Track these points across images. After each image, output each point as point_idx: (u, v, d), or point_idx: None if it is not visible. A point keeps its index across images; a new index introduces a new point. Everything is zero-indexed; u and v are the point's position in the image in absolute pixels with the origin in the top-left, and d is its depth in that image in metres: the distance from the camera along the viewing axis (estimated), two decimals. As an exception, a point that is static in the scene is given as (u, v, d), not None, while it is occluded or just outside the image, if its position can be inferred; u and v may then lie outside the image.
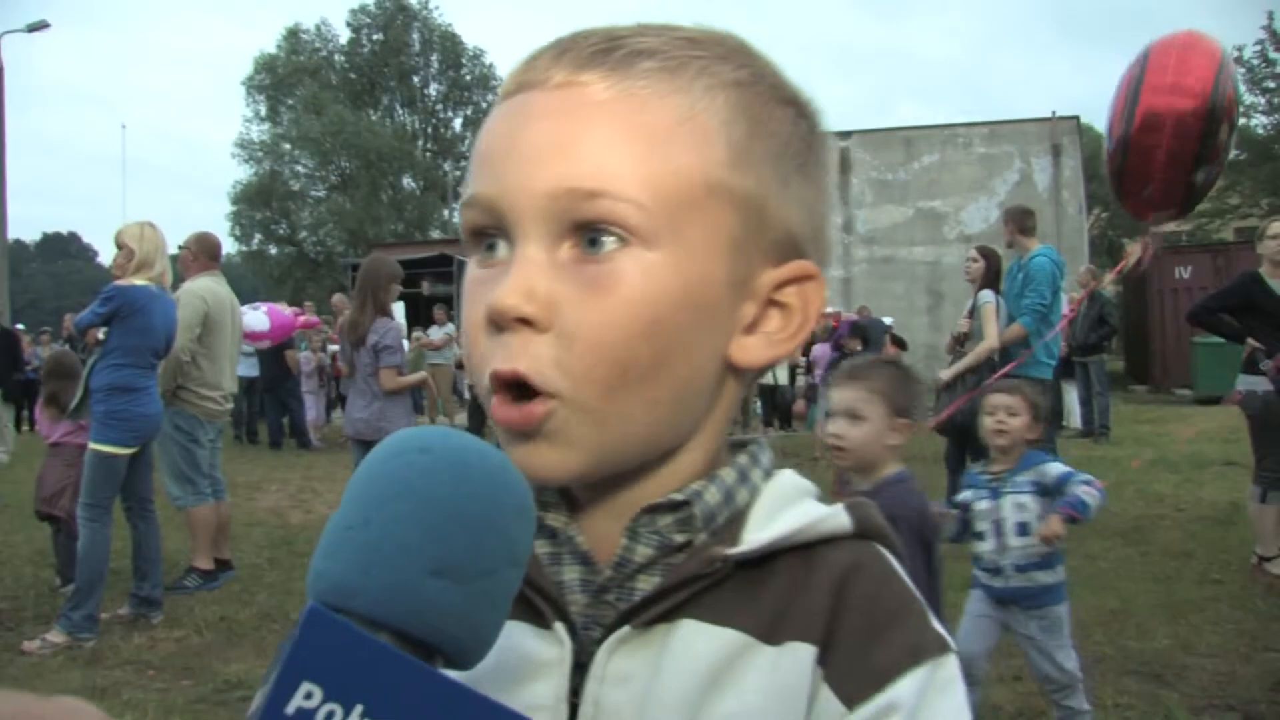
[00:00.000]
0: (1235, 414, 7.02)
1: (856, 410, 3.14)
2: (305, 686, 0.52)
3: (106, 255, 6.62)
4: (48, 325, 26.07)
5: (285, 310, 14.65)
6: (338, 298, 17.46)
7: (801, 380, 15.36)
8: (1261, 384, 6.44)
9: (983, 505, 4.13)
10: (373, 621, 0.55)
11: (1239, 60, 28.54)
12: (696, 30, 0.80)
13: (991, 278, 8.18)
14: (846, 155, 24.70)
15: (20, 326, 24.71)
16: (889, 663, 0.72)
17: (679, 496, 0.78)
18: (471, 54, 47.30)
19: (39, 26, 28.73)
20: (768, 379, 14.12)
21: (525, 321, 0.71)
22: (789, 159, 0.80)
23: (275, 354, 15.57)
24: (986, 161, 24.04)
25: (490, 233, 0.76)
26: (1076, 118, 24.83)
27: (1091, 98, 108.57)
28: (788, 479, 0.84)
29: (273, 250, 42.67)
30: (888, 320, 17.94)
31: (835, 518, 0.78)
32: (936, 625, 0.76)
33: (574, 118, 0.73)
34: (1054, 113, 24.19)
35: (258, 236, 42.88)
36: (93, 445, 5.95)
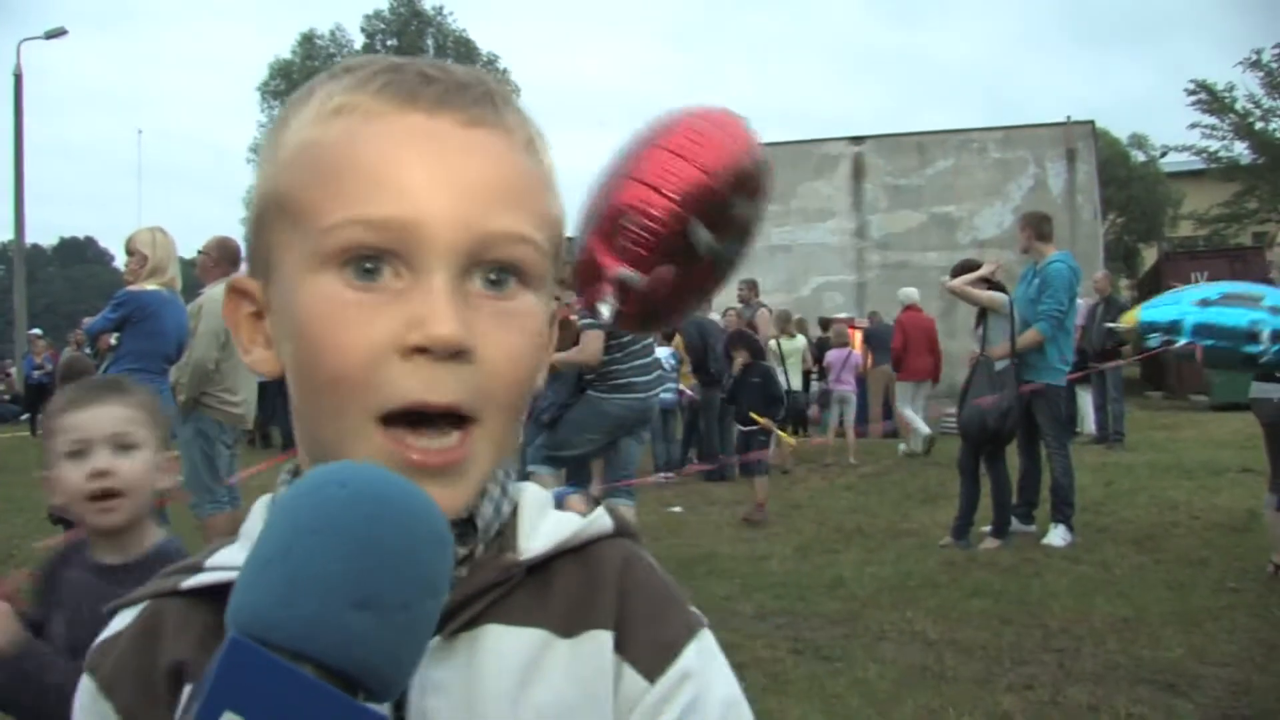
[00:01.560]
0: (1252, 421, 6.98)
1: (127, 436, 2.18)
2: (228, 716, 0.53)
3: (122, 259, 6.63)
4: (64, 329, 26.13)
5: None
6: None
7: (815, 386, 15.31)
8: (1277, 391, 6.39)
9: None
10: (295, 653, 0.55)
11: (1257, 64, 28.35)
12: (499, 83, 0.87)
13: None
14: (860, 160, 24.66)
15: (36, 331, 24.79)
16: (674, 638, 0.81)
17: (463, 514, 0.81)
18: (485, 59, 47.37)
19: (57, 33, 28.90)
20: (781, 384, 14.06)
21: (459, 353, 0.74)
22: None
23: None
24: (1001, 166, 23.94)
25: (374, 254, 0.75)
26: (1091, 122, 24.70)
27: (1106, 102, 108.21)
28: (534, 489, 0.89)
29: (287, 255, 42.74)
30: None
31: (601, 520, 0.85)
32: (691, 606, 0.85)
33: (498, 163, 0.78)
34: (1069, 117, 24.10)
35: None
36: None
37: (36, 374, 20.92)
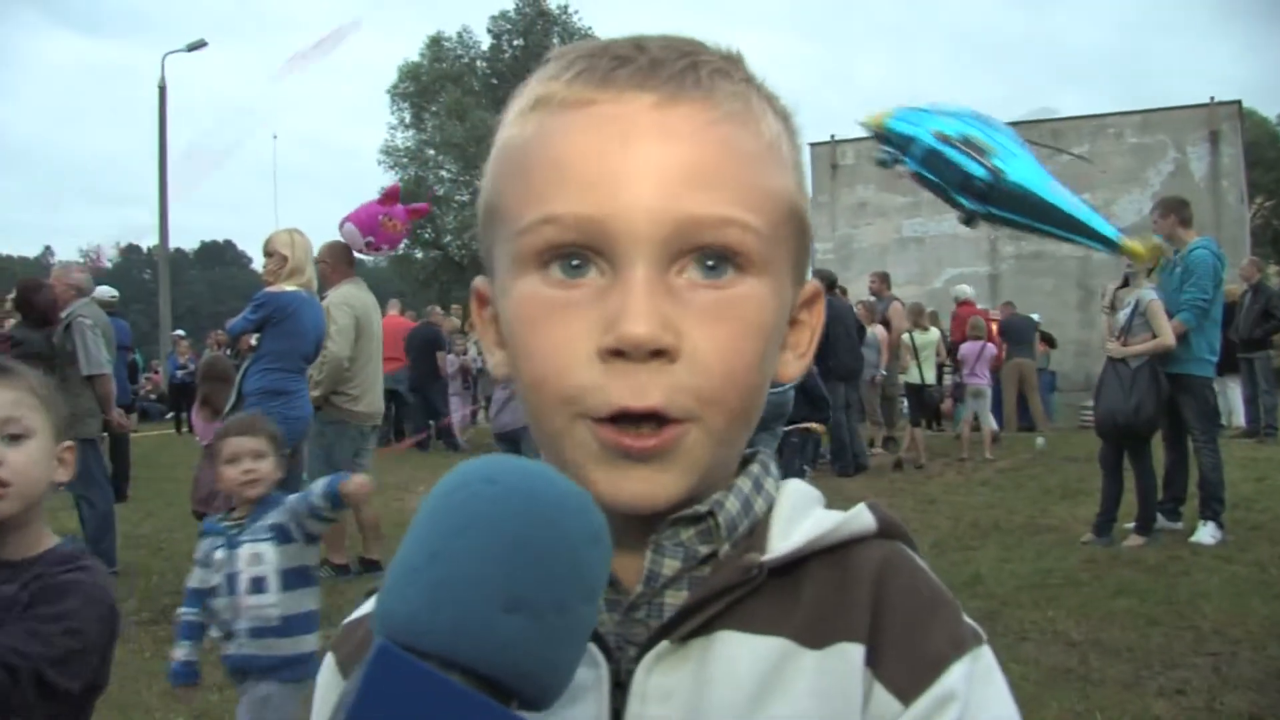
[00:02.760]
0: None
1: (13, 423, 1.95)
2: None
3: (260, 261, 6.82)
4: (205, 330, 27.10)
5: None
6: (438, 310, 17.76)
7: (949, 379, 15.03)
8: None
9: (219, 556, 3.55)
10: (444, 660, 0.53)
11: None
12: (725, 48, 0.81)
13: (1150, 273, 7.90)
14: (992, 148, 24.11)
15: (179, 332, 25.76)
16: (937, 654, 0.73)
17: (702, 508, 0.77)
18: (610, 56, 47.43)
19: (198, 46, 29.91)
20: (914, 378, 13.82)
21: (658, 351, 0.70)
22: (803, 170, 0.83)
23: (424, 356, 15.96)
24: (1139, 152, 23.23)
25: (576, 252, 0.73)
26: (1238, 102, 23.77)
27: (1256, 79, 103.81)
28: (799, 486, 0.84)
29: (418, 254, 43.55)
30: (1035, 316, 17.45)
31: (860, 518, 0.78)
32: (966, 618, 0.77)
33: (692, 141, 0.72)
34: (1212, 98, 23.21)
35: (404, 241, 43.97)
36: (246, 447, 6.11)
37: (180, 374, 21.70)
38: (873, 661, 0.72)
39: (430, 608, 0.54)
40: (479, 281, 0.84)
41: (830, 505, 0.83)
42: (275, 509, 3.58)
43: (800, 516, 0.79)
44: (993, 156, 5.94)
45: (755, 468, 0.82)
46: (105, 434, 8.76)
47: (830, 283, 13.17)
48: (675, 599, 0.76)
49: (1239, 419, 14.54)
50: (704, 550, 0.77)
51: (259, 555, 3.50)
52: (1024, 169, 5.98)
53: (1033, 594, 6.39)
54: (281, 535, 3.53)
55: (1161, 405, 7.64)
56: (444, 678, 0.52)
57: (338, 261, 7.59)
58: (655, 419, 0.71)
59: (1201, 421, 7.83)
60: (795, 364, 0.83)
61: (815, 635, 0.73)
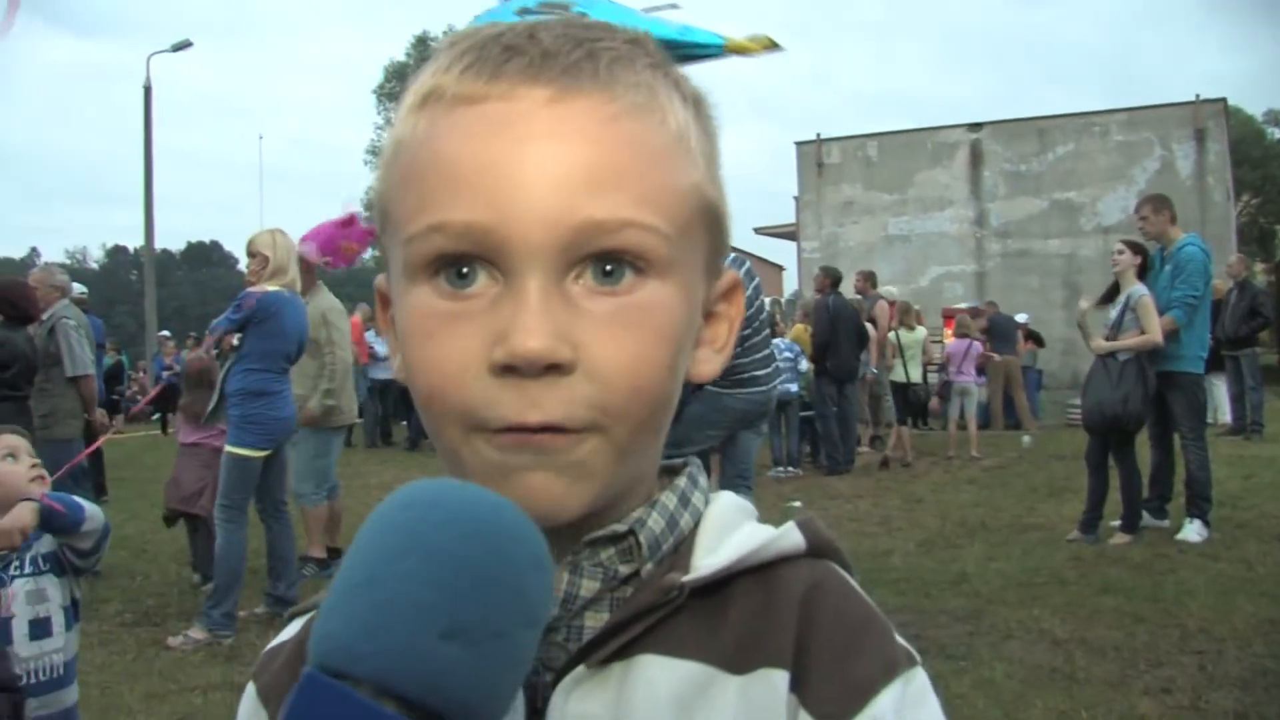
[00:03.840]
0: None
1: None
2: None
3: (245, 262, 6.81)
4: (193, 331, 27.01)
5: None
6: None
7: (935, 377, 15.05)
8: None
9: None
10: (378, 687, 0.51)
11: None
12: (630, 30, 0.75)
13: (1140, 273, 7.89)
14: (978, 147, 24.18)
15: (165, 333, 25.69)
16: (865, 679, 0.69)
17: (621, 527, 0.73)
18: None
19: (183, 46, 29.78)
20: (899, 376, 13.83)
21: (553, 365, 0.66)
22: (716, 158, 0.77)
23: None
24: (1125, 149, 23.25)
25: (466, 261, 0.68)
26: (1223, 100, 23.82)
27: (1243, 75, 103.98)
28: (728, 500, 0.80)
29: (405, 254, 43.62)
30: (1021, 317, 17.48)
31: (788, 536, 0.74)
32: (900, 639, 0.73)
33: (589, 140, 0.67)
34: (1197, 96, 23.27)
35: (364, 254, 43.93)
36: (228, 448, 6.11)
37: (165, 374, 21.62)
38: (797, 687, 0.69)
39: (366, 632, 0.52)
40: (380, 281, 0.80)
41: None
42: (40, 536, 3.09)
43: (727, 532, 0.75)
44: (574, 8, 5.91)
45: (682, 480, 0.79)
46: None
47: (836, 280, 13.18)
48: (595, 621, 0.73)
49: (1224, 416, 14.57)
50: (625, 570, 0.74)
51: (40, 592, 3.03)
52: (606, 10, 5.91)
53: (1018, 592, 6.39)
54: (57, 566, 3.10)
55: (1149, 398, 7.63)
56: (375, 706, 0.51)
57: (304, 272, 7.56)
58: (553, 430, 0.67)
59: (1190, 419, 7.83)
60: (713, 359, 0.79)
61: (738, 660, 0.70)
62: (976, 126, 24.56)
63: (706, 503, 0.79)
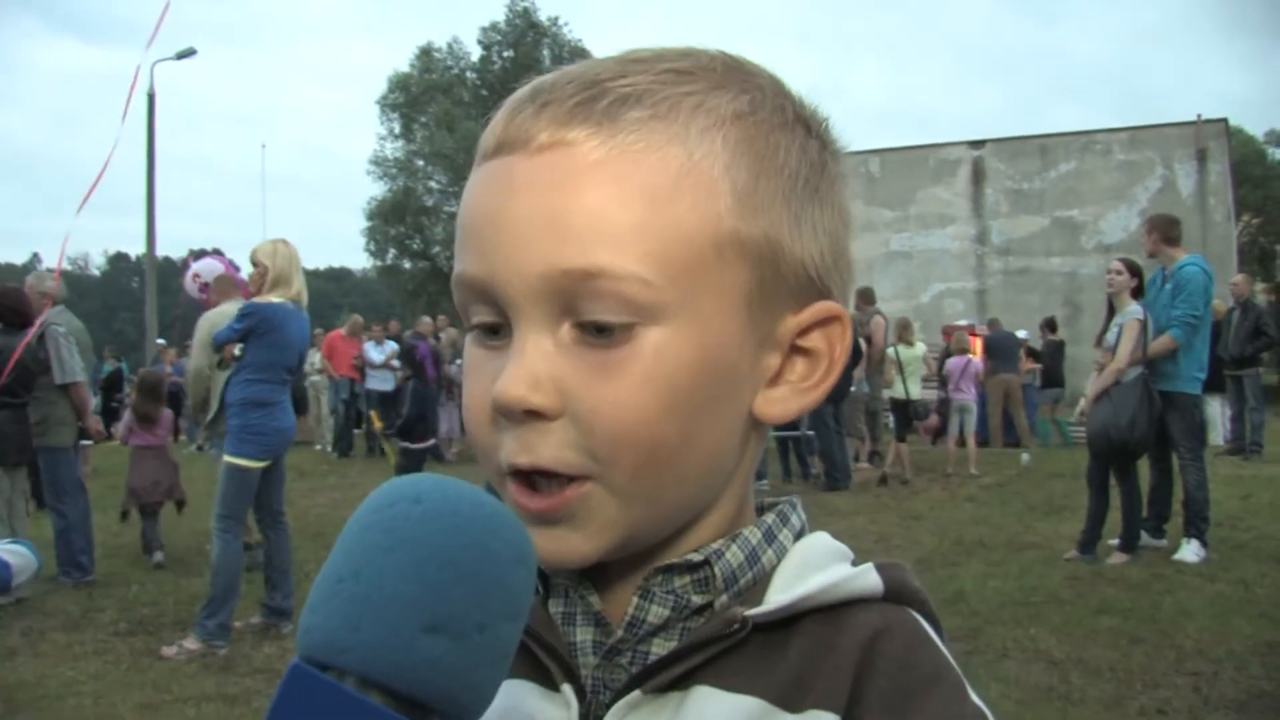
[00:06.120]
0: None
1: None
2: None
3: (248, 270, 6.90)
4: (188, 340, 27.04)
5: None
6: (425, 321, 17.89)
7: (934, 394, 15.04)
8: None
9: None
10: (363, 679, 0.53)
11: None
12: (685, 56, 0.73)
13: (1136, 292, 7.89)
14: (980, 165, 24.24)
15: (161, 341, 25.70)
16: None
17: (696, 557, 0.73)
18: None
19: (187, 54, 29.82)
20: (899, 393, 13.82)
21: (534, 413, 0.67)
22: (801, 189, 0.73)
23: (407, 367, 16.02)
24: (1127, 168, 23.32)
25: (485, 311, 0.72)
26: (1224, 120, 23.88)
27: (1248, 95, 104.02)
28: (820, 540, 0.78)
29: (406, 265, 43.42)
30: (1022, 334, 17.47)
31: (863, 577, 0.72)
32: (975, 698, 0.69)
33: (563, 188, 0.67)
34: (1199, 116, 23.32)
35: (392, 251, 43.75)
36: (227, 458, 6.09)
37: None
38: None
39: (350, 626, 0.53)
40: None
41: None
42: None
43: (809, 572, 0.73)
44: None
45: (770, 517, 0.77)
46: (90, 441, 8.80)
47: (868, 299, 13.35)
48: (662, 649, 0.72)
49: (1218, 437, 14.55)
50: (698, 600, 0.73)
51: None
52: None
53: (1015, 611, 6.37)
54: None
55: (1154, 421, 7.61)
56: (360, 697, 0.52)
57: (225, 287, 8.35)
58: (556, 477, 0.68)
59: (1188, 439, 7.82)
60: (791, 399, 0.74)
61: (793, 698, 0.68)
62: (979, 144, 24.63)
63: (796, 540, 0.77)
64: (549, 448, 0.67)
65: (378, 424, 16.08)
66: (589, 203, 0.66)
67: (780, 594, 0.71)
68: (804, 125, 0.75)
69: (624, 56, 0.73)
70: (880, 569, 0.73)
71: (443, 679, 0.54)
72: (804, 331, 0.74)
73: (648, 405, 0.67)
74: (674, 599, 0.73)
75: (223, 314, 8.08)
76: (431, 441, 12.61)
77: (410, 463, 11.84)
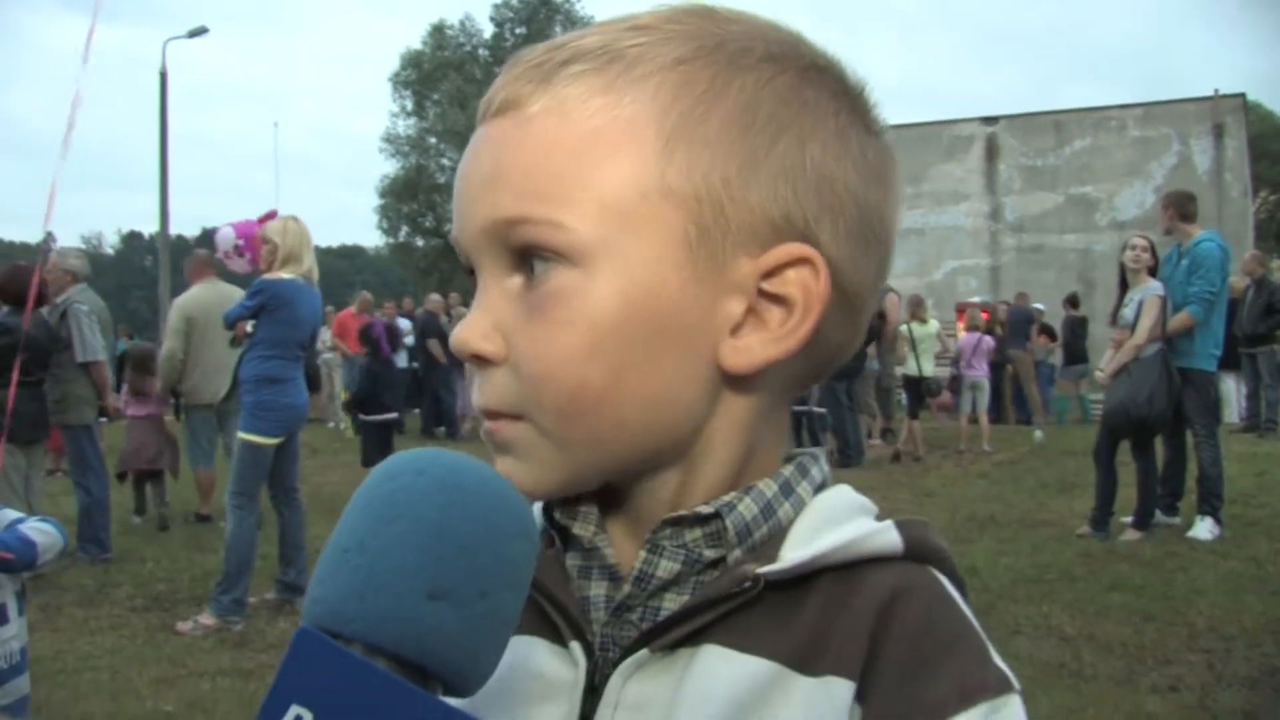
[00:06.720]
0: None
1: None
2: (294, 710, 0.52)
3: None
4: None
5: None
6: (436, 298, 18.04)
7: (946, 370, 15.02)
8: None
9: None
10: (369, 646, 0.54)
11: None
12: (659, 13, 0.73)
13: (1151, 271, 7.84)
14: (994, 141, 24.12)
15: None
16: (935, 703, 0.64)
17: (706, 509, 0.71)
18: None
19: (199, 32, 29.81)
20: (911, 370, 13.80)
21: (480, 358, 0.71)
22: (761, 127, 0.70)
23: (421, 344, 16.19)
24: (1141, 145, 23.17)
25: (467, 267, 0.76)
26: (1242, 95, 23.69)
27: (1266, 71, 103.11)
28: (841, 494, 0.76)
29: (419, 242, 43.51)
30: (1040, 306, 17.42)
31: (883, 534, 0.70)
32: (998, 661, 0.68)
33: (503, 144, 0.71)
34: (1216, 90, 23.15)
35: (404, 229, 43.84)
36: (241, 435, 6.12)
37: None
38: (862, 700, 0.65)
39: (356, 595, 0.55)
40: None
41: None
42: None
43: (829, 527, 0.71)
44: None
45: (788, 469, 0.75)
46: (105, 419, 8.83)
47: None
48: (675, 604, 0.71)
49: (1234, 414, 14.50)
50: (711, 555, 0.71)
51: None
52: None
53: (1028, 588, 6.37)
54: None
55: (1174, 397, 7.57)
56: (367, 662, 0.53)
57: (199, 268, 8.99)
58: (493, 415, 0.73)
59: (1203, 416, 7.80)
60: (764, 348, 0.69)
61: (808, 660, 0.67)
62: (992, 120, 24.50)
63: (815, 494, 0.75)
64: (493, 389, 0.71)
65: (344, 396, 16.75)
66: (518, 156, 0.69)
67: (795, 550, 0.69)
68: (775, 62, 0.72)
69: (611, 18, 0.75)
70: (900, 526, 0.71)
71: (446, 646, 0.55)
72: (769, 275, 0.70)
73: (568, 347, 0.68)
74: (684, 553, 0.71)
75: (193, 297, 8.74)
76: (393, 415, 12.92)
77: (367, 436, 12.37)
